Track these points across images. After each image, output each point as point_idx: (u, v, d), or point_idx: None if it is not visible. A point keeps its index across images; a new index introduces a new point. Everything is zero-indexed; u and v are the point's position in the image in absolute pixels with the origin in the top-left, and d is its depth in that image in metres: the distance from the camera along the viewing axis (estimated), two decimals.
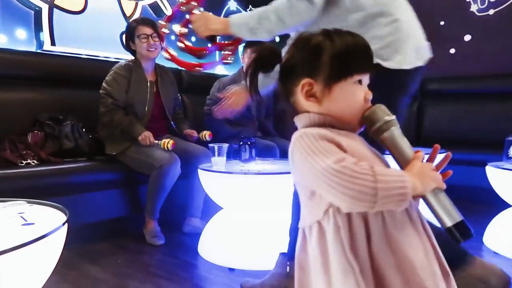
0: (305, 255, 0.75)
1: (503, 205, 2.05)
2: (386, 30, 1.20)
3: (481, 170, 2.06)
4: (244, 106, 1.59)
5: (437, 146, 0.78)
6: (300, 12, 1.22)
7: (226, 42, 1.44)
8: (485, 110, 3.15)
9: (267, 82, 1.49)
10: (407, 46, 1.21)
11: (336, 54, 0.74)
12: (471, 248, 2.01)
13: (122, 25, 2.90)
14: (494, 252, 1.93)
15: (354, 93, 0.76)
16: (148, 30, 2.28)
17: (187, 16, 1.44)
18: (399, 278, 0.66)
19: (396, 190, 0.63)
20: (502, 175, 1.93)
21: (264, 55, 0.80)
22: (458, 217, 0.69)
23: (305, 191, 0.74)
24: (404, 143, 0.74)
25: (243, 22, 1.30)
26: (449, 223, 0.69)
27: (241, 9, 3.85)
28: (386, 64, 1.19)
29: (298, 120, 0.79)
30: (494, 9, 3.41)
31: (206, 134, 2.40)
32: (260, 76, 1.66)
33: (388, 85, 1.14)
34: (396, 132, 0.74)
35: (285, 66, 0.79)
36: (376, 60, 1.13)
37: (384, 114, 0.74)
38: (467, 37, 3.54)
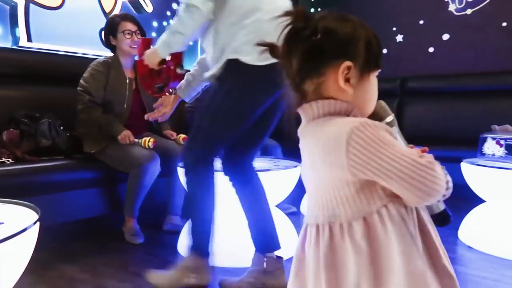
0: (334, 254, 0.68)
1: (478, 201, 2.10)
2: (248, 29, 1.33)
3: (457, 167, 2.10)
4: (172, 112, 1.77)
5: (426, 148, 0.80)
6: (189, 21, 1.35)
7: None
8: (461, 108, 3.22)
9: (195, 84, 1.59)
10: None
11: (369, 42, 0.71)
12: (447, 243, 2.05)
13: (101, 22, 2.86)
14: (468, 247, 1.98)
15: (376, 86, 0.74)
16: (132, 27, 2.26)
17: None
18: (427, 260, 0.69)
19: (449, 183, 0.66)
20: (476, 171, 1.97)
21: (300, 20, 0.69)
22: (442, 206, 0.77)
23: (350, 186, 0.68)
24: (402, 140, 0.77)
25: (162, 42, 1.45)
26: (437, 210, 0.77)
27: None
28: (245, 59, 1.31)
29: (316, 107, 0.71)
30: (471, 8, 3.48)
31: (181, 138, 2.38)
32: (188, 82, 1.62)
33: (249, 77, 1.34)
34: (396, 130, 0.77)
35: (321, 42, 0.69)
36: (235, 56, 1.31)
37: (389, 111, 0.77)
38: (446, 36, 3.61)
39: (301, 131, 0.74)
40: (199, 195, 1.47)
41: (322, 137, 0.69)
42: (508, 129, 1.98)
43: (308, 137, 0.72)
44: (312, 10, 4.42)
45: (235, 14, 1.33)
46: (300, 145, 0.75)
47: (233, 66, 1.33)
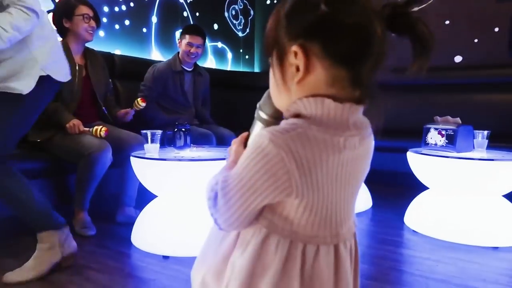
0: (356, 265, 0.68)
1: (422, 188, 2.23)
2: (50, 50, 1.56)
3: (403, 156, 2.22)
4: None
5: None
6: (31, 22, 1.43)
7: None
8: (407, 101, 3.39)
9: None
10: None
11: None
12: (394, 228, 2.18)
13: (48, 4, 2.71)
14: (413, 231, 2.10)
15: None
16: (90, 11, 2.19)
17: None
18: None
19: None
20: (420, 160, 2.09)
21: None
22: None
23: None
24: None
25: None
26: None
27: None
28: (55, 77, 1.55)
29: None
30: (416, 7, 3.65)
31: (138, 100, 2.37)
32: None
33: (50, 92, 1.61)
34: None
35: None
36: (46, 73, 1.51)
37: None
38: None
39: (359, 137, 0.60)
40: (9, 187, 1.51)
41: (370, 138, 0.62)
42: (449, 120, 2.11)
43: (362, 144, 0.60)
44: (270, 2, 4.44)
45: (41, 35, 1.50)
46: (345, 157, 0.58)
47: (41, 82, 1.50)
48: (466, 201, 2.00)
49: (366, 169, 0.63)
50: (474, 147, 2.14)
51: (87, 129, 2.05)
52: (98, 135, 2.03)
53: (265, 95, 0.66)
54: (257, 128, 0.67)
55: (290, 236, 0.58)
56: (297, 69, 0.57)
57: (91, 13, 2.18)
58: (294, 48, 0.56)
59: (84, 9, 2.16)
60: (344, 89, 0.57)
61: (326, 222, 0.60)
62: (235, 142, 0.70)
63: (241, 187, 0.57)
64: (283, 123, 0.58)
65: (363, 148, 0.60)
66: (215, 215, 0.61)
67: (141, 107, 2.37)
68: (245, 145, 0.68)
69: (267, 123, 0.65)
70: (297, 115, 0.58)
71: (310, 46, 0.55)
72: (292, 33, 0.57)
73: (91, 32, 2.19)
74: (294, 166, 0.54)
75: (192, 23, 3.79)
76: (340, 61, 0.55)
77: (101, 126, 2.05)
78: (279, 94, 0.61)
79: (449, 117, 2.14)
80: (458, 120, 2.12)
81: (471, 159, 1.91)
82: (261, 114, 0.66)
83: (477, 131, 2.14)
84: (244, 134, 0.70)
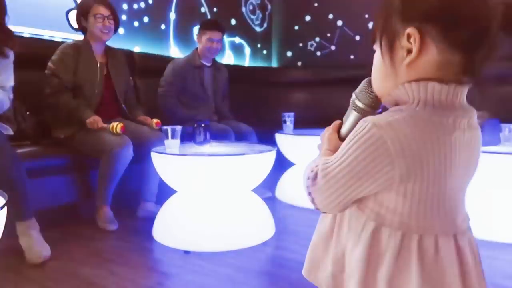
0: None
1: None
2: None
3: None
4: None
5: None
6: (6, 108, 1.75)
7: None
8: None
9: None
10: None
11: None
12: None
13: (68, 3, 2.76)
14: None
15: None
16: (105, 11, 2.19)
17: None
18: None
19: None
20: None
21: None
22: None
23: None
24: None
25: None
26: None
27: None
28: None
29: None
30: None
31: (153, 122, 2.31)
32: None
33: None
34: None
35: None
36: None
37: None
38: None
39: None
40: None
41: (478, 130, 0.62)
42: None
43: (471, 129, 0.60)
44: None
45: None
46: (456, 139, 0.57)
47: None
48: (491, 195, 1.94)
49: (477, 162, 0.63)
50: (500, 141, 2.08)
51: (106, 125, 2.08)
52: (115, 131, 2.05)
53: (362, 84, 0.66)
54: (352, 116, 0.67)
55: (401, 228, 0.58)
56: (408, 52, 0.57)
57: (105, 13, 2.19)
58: (409, 30, 0.56)
59: (98, 9, 2.17)
60: (454, 74, 0.57)
61: (440, 210, 0.59)
62: (328, 130, 0.71)
63: (342, 169, 0.58)
64: (387, 112, 0.59)
65: (472, 136, 0.59)
66: (313, 194, 0.62)
67: (154, 128, 2.29)
68: (338, 132, 0.69)
69: (363, 112, 0.65)
70: (396, 104, 0.59)
71: (428, 29, 0.55)
72: (408, 15, 0.56)
73: (106, 31, 2.20)
74: (399, 149, 0.53)
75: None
76: (457, 46, 0.56)
77: (117, 123, 2.07)
78: (385, 77, 0.61)
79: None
80: (484, 113, 2.05)
81: (498, 153, 1.85)
82: (357, 103, 0.66)
83: (504, 124, 2.08)
84: (337, 122, 0.71)
